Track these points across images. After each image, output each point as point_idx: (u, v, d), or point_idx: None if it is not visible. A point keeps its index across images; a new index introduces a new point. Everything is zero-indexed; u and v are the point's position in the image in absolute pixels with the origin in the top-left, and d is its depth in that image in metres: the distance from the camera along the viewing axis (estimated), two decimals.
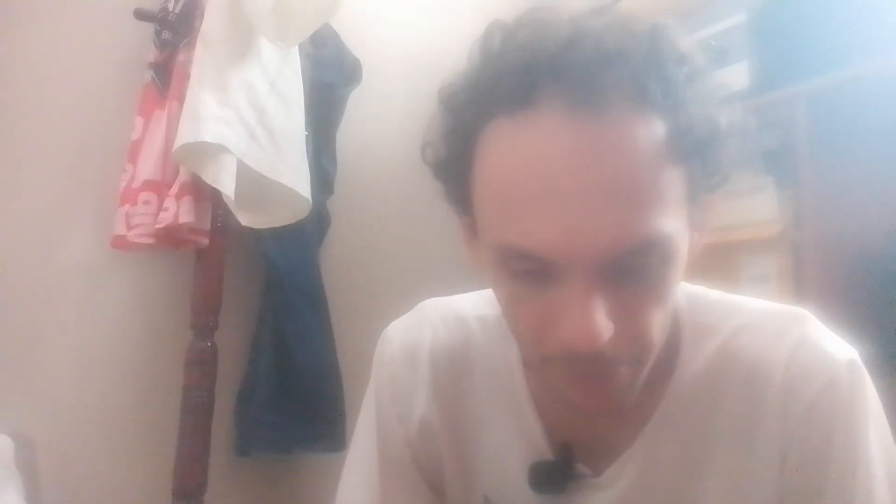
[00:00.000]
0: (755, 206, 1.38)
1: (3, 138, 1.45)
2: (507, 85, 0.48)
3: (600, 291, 0.47)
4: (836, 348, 0.57)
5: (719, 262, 1.39)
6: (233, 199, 1.33)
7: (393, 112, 1.91)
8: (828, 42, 1.27)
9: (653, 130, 0.47)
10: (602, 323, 0.47)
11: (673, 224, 0.48)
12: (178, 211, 1.34)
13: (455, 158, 0.55)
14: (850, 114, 1.28)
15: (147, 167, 1.40)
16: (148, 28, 1.52)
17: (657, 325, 0.51)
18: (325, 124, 1.69)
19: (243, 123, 1.35)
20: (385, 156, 1.89)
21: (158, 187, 1.39)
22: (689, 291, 0.62)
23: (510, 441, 0.65)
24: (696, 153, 0.50)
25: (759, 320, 0.60)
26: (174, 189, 1.36)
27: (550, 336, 0.50)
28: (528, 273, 0.50)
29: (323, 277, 1.68)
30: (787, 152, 1.34)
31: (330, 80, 1.69)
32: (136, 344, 1.53)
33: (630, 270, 0.48)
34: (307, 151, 1.49)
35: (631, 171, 0.46)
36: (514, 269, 0.50)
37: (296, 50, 1.49)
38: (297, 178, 1.44)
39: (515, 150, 0.49)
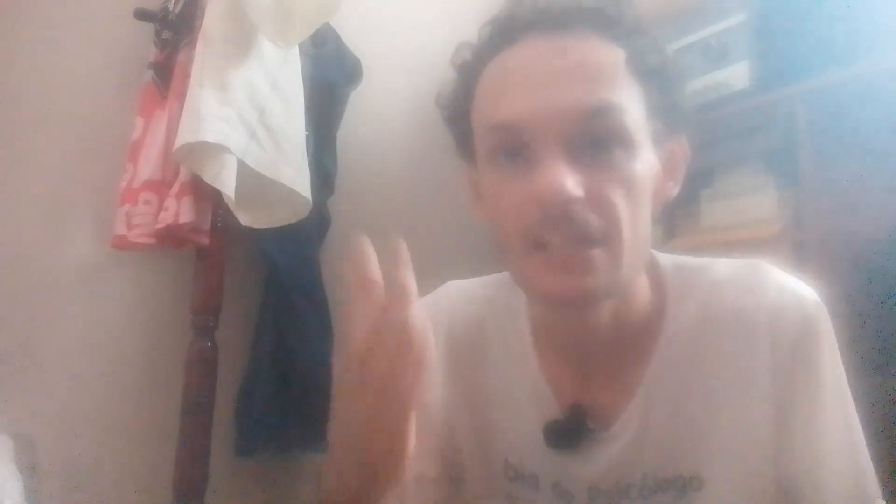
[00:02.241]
0: (755, 205, 1.38)
1: (3, 138, 1.45)
2: (499, 35, 0.63)
3: (570, 164, 0.56)
4: (805, 291, 0.66)
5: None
6: (233, 198, 1.33)
7: (393, 111, 1.91)
8: (828, 42, 1.27)
9: (612, 50, 0.60)
10: (570, 178, 0.55)
11: (629, 105, 0.58)
12: (179, 210, 1.34)
13: (460, 101, 0.66)
14: (851, 113, 1.28)
15: (147, 167, 1.40)
16: (148, 28, 1.52)
17: (625, 212, 0.58)
18: (325, 124, 1.69)
19: (244, 123, 1.35)
20: (385, 155, 1.89)
21: (159, 187, 1.39)
22: (675, 259, 0.70)
23: (524, 406, 0.70)
24: (651, 76, 0.61)
25: (731, 274, 0.67)
26: (174, 189, 1.36)
27: (529, 207, 0.57)
28: (510, 155, 0.59)
29: (323, 277, 1.68)
30: (787, 151, 1.34)
31: (330, 79, 1.69)
32: (137, 343, 1.53)
33: (597, 142, 0.57)
34: (307, 151, 1.49)
35: (591, 65, 0.59)
36: (498, 151, 0.60)
37: (296, 49, 1.49)
38: (297, 177, 1.44)
39: (501, 66, 0.62)
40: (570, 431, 0.67)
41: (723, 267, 0.68)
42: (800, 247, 1.29)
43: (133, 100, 1.49)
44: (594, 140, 0.57)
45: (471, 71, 0.65)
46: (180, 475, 1.38)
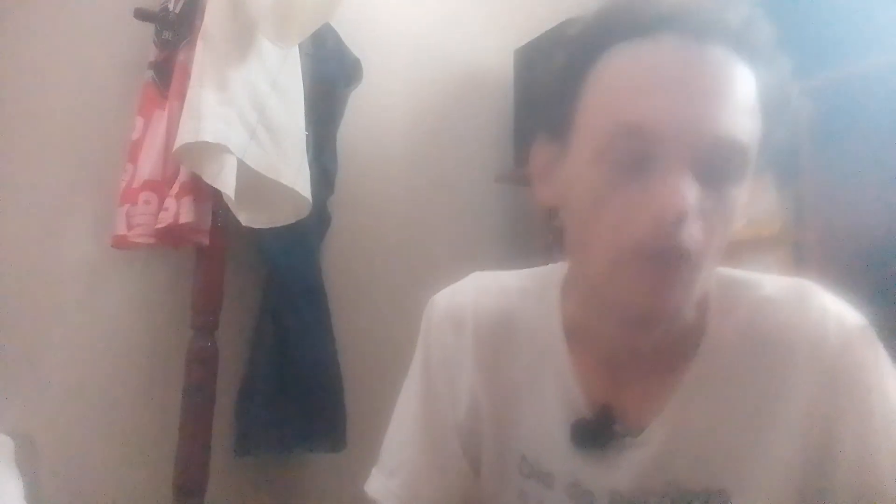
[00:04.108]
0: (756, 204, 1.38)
1: (3, 138, 1.45)
2: (629, 22, 0.58)
3: (690, 181, 0.54)
4: (850, 316, 0.64)
5: (719, 260, 1.39)
6: (233, 198, 1.33)
7: (394, 112, 1.91)
8: (827, 41, 1.27)
9: (746, 76, 0.57)
10: (693, 195, 0.54)
11: (751, 146, 0.57)
12: (179, 211, 1.34)
13: (568, 81, 0.61)
14: (851, 112, 1.28)
15: (147, 167, 1.40)
16: (148, 28, 1.52)
17: (718, 244, 0.57)
18: (325, 123, 1.69)
19: (244, 123, 1.35)
20: (385, 155, 1.89)
21: (159, 187, 1.39)
22: (720, 271, 0.67)
23: (550, 403, 0.69)
24: (770, 114, 0.59)
25: (780, 293, 0.66)
26: (174, 189, 1.37)
27: (636, 220, 0.56)
28: (627, 163, 0.56)
29: (323, 276, 1.68)
30: (787, 150, 1.34)
31: (330, 79, 1.69)
32: (137, 343, 1.53)
33: (714, 173, 0.55)
34: (307, 151, 1.49)
35: (730, 89, 0.56)
36: (616, 159, 0.57)
37: (296, 49, 1.49)
38: (297, 177, 1.44)
39: (633, 58, 0.58)
40: (598, 432, 0.66)
41: (769, 284, 0.67)
42: (800, 247, 1.29)
43: (133, 100, 1.49)
44: (716, 169, 0.55)
45: (587, 50, 0.60)
46: (180, 475, 1.38)
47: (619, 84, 0.58)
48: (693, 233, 0.55)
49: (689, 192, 0.54)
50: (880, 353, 0.63)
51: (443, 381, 0.74)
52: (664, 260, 0.56)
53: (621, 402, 0.66)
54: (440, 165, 1.96)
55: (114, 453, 1.48)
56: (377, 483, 0.75)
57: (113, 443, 1.48)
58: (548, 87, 0.64)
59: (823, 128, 1.28)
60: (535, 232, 1.87)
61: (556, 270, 0.73)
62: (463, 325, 0.74)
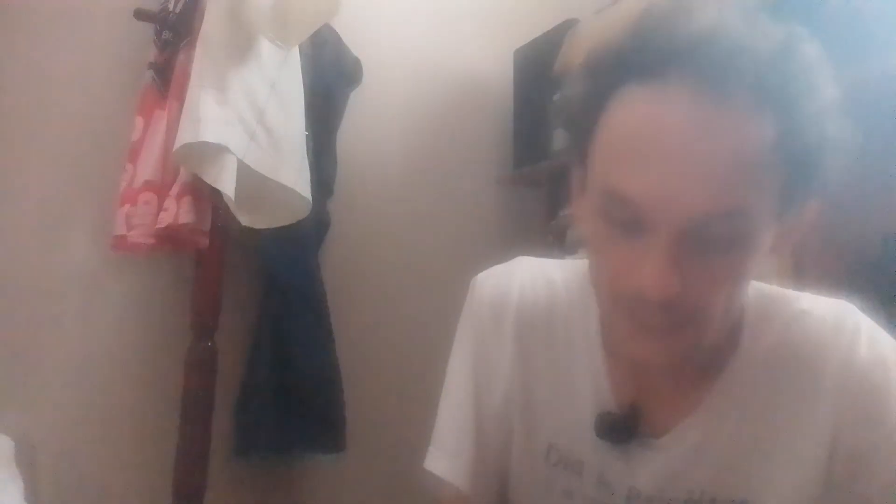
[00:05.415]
0: None
1: (3, 139, 1.45)
2: (645, 58, 0.55)
3: (679, 254, 0.53)
4: (886, 338, 0.64)
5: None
6: (233, 199, 1.33)
7: (393, 113, 1.91)
8: (828, 42, 1.27)
9: (764, 128, 0.53)
10: (673, 277, 0.53)
11: (758, 211, 0.54)
12: (178, 211, 1.34)
13: (586, 112, 0.60)
14: (851, 114, 1.28)
15: (147, 167, 1.40)
16: (148, 28, 1.52)
17: (722, 303, 0.56)
18: (325, 125, 1.69)
19: (243, 124, 1.35)
20: (385, 157, 1.89)
21: (159, 188, 1.39)
22: (758, 286, 0.67)
23: (580, 395, 0.70)
24: (800, 159, 0.54)
25: (816, 308, 0.65)
26: (174, 189, 1.36)
27: (626, 281, 0.55)
28: (621, 223, 0.56)
29: (323, 278, 1.68)
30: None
31: (330, 80, 1.69)
32: (136, 345, 1.53)
33: (709, 244, 0.53)
34: (307, 152, 1.49)
35: (734, 155, 0.52)
36: (610, 217, 0.56)
37: (296, 50, 1.49)
38: (297, 178, 1.44)
39: (639, 112, 0.55)
40: (621, 427, 0.67)
41: (807, 300, 0.66)
42: (800, 247, 1.29)
43: (133, 100, 1.49)
44: (711, 239, 0.54)
45: (603, 88, 0.58)
46: (180, 476, 1.38)
47: (617, 145, 0.56)
48: (683, 301, 0.54)
49: (670, 275, 0.53)
50: None
51: (482, 366, 0.75)
52: (651, 328, 0.56)
53: (650, 404, 0.67)
54: (440, 166, 1.96)
55: (113, 455, 1.48)
56: (442, 463, 0.74)
57: (112, 444, 1.48)
58: (569, 118, 0.64)
59: None
60: (535, 233, 1.87)
61: None
62: (504, 312, 0.74)
